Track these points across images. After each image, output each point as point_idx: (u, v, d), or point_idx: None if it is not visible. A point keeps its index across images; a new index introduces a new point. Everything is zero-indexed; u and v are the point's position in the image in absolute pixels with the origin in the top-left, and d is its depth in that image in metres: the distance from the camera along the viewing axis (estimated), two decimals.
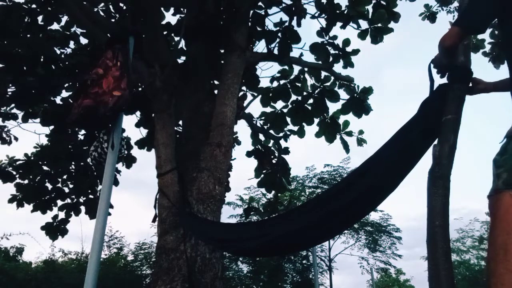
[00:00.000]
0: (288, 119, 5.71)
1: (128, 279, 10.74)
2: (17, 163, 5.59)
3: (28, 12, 4.90)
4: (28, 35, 4.95)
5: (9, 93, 4.92)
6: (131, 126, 9.69)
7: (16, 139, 5.66)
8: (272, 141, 5.95)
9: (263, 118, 5.85)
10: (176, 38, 5.62)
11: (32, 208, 5.60)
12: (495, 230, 1.31)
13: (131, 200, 36.20)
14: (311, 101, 5.60)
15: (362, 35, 5.26)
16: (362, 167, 1.96)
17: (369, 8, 5.13)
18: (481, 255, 19.03)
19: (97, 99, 2.53)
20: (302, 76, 5.61)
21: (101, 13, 5.16)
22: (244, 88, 5.38)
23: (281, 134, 5.80)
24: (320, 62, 5.33)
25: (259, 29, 5.03)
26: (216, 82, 4.59)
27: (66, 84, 5.23)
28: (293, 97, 5.66)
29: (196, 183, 3.32)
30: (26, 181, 5.62)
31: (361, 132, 5.83)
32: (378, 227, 16.51)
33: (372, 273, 16.87)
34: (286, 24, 4.97)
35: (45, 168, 5.70)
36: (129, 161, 6.06)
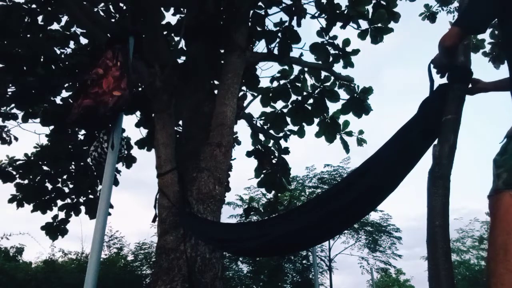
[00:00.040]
0: (288, 119, 5.71)
1: (128, 279, 10.74)
2: (17, 163, 5.59)
3: (28, 12, 4.90)
4: (28, 35, 4.95)
5: (9, 93, 4.92)
6: (131, 126, 9.70)
7: (16, 139, 5.66)
8: (272, 141, 5.95)
9: (263, 118, 5.85)
10: (176, 38, 5.62)
11: (32, 208, 5.60)
12: (495, 230, 1.31)
13: (131, 200, 36.25)
14: (311, 101, 5.60)
15: (362, 35, 5.26)
16: (362, 167, 1.96)
17: (369, 8, 5.14)
18: (481, 255, 19.03)
19: (97, 99, 2.53)
20: (302, 76, 5.61)
21: (101, 13, 5.16)
22: (244, 88, 5.38)
23: (281, 134, 5.81)
24: (320, 62, 5.33)
25: (259, 29, 5.03)
26: (216, 82, 4.59)
27: (66, 84, 5.23)
28: (293, 97, 5.67)
29: (196, 183, 3.33)
30: (26, 181, 5.62)
31: (361, 132, 5.83)
32: (378, 227, 16.51)
33: (372, 273, 16.87)
34: (286, 24, 4.97)
35: (45, 168, 5.70)
36: (129, 161, 6.06)
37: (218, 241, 2.68)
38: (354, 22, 5.16)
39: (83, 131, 5.66)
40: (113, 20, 5.21)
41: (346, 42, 5.25)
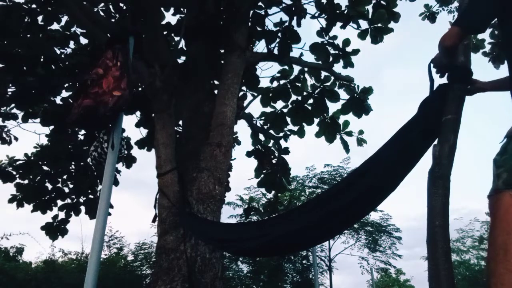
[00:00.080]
0: (288, 119, 5.71)
1: (128, 279, 10.74)
2: (17, 163, 5.59)
3: (28, 12, 4.90)
4: (28, 35, 4.95)
5: (9, 93, 4.92)
6: (131, 126, 9.70)
7: (16, 139, 5.66)
8: (272, 141, 5.95)
9: (263, 118, 5.85)
10: (176, 38, 5.62)
11: (32, 208, 5.60)
12: (495, 230, 1.31)
13: (131, 200, 36.25)
14: (311, 101, 5.60)
15: (362, 35, 5.26)
16: (362, 167, 1.96)
17: (369, 8, 5.14)
18: (481, 255, 19.03)
19: (97, 99, 2.53)
20: (302, 76, 5.61)
21: (101, 13, 5.16)
22: (244, 88, 5.38)
23: (281, 134, 5.81)
24: (320, 62, 5.33)
25: (259, 29, 5.03)
26: (216, 82, 4.59)
27: (66, 84, 5.23)
28: (293, 97, 5.67)
29: (196, 183, 3.33)
30: (26, 181, 5.63)
31: (361, 132, 5.83)
32: (378, 227, 16.51)
33: (372, 273, 16.87)
34: (286, 24, 4.97)
35: (45, 168, 5.70)
36: (129, 161, 6.06)
37: (218, 241, 2.68)
38: (354, 22, 5.16)
39: (83, 131, 5.66)
40: (113, 20, 5.21)
41: (346, 42, 5.25)
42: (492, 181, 1.40)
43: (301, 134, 5.87)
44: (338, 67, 7.43)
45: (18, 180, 5.59)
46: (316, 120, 5.70)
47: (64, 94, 5.33)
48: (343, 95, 5.50)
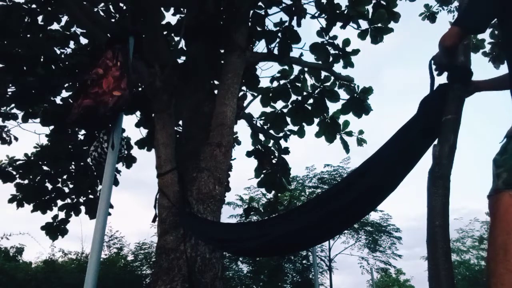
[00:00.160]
0: (288, 119, 5.71)
1: (128, 279, 10.74)
2: (17, 163, 5.59)
3: (28, 12, 4.90)
4: (28, 35, 4.95)
5: (9, 93, 4.92)
6: (131, 126, 9.70)
7: (16, 139, 5.67)
8: (272, 141, 5.95)
9: (263, 118, 5.85)
10: (176, 38, 5.62)
11: (32, 208, 5.60)
12: (495, 230, 1.31)
13: (131, 200, 36.25)
14: (311, 101, 5.60)
15: (362, 35, 5.26)
16: (362, 167, 1.96)
17: (369, 8, 5.14)
18: (481, 255, 19.03)
19: (97, 99, 2.53)
20: (302, 76, 5.61)
21: (101, 13, 5.16)
22: (244, 88, 5.38)
23: (281, 134, 5.80)
24: (320, 62, 5.33)
25: (259, 29, 5.03)
26: (216, 82, 4.59)
27: (66, 84, 5.23)
28: (293, 97, 5.67)
29: (196, 183, 3.33)
30: (26, 181, 5.63)
31: (361, 132, 5.83)
32: (378, 227, 16.52)
33: (372, 273, 16.87)
34: (286, 24, 4.97)
35: (45, 168, 5.70)
36: (129, 161, 6.06)
37: (218, 241, 2.68)
38: (354, 22, 5.16)
39: (83, 131, 5.66)
40: (113, 20, 5.21)
41: (346, 42, 5.25)
42: (492, 181, 1.39)
43: (301, 134, 5.87)
44: (338, 67, 7.44)
45: (18, 180, 5.59)
46: (316, 120, 5.70)
47: (64, 94, 5.34)
48: (343, 95, 5.51)
